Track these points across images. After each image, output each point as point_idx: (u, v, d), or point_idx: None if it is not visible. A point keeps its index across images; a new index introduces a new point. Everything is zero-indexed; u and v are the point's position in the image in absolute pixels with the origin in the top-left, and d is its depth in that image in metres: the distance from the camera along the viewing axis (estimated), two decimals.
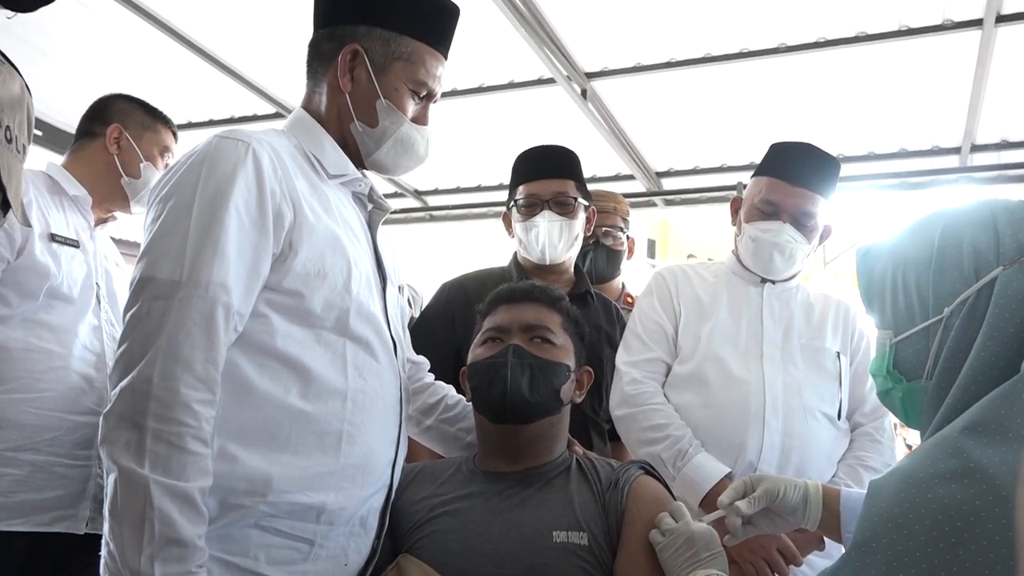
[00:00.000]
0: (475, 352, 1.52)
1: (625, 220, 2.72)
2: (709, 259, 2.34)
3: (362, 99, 1.39)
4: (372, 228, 1.48)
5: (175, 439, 1.08)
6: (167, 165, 2.09)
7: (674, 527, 1.26)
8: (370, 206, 1.50)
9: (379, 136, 1.41)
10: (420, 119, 1.45)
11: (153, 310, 1.12)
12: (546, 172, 2.16)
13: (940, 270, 0.97)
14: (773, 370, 1.86)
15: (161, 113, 2.20)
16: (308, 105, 1.45)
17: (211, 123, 4.14)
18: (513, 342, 1.45)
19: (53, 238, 1.89)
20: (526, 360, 1.44)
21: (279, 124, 1.46)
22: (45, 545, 1.84)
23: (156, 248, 1.16)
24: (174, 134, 2.22)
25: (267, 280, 1.22)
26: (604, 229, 2.64)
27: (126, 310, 1.15)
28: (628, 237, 2.74)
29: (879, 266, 1.09)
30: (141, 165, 2.09)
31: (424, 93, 1.43)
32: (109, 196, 2.10)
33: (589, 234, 2.46)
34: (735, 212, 2.08)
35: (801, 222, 1.93)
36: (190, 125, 4.10)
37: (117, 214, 2.19)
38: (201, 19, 3.17)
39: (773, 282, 2.00)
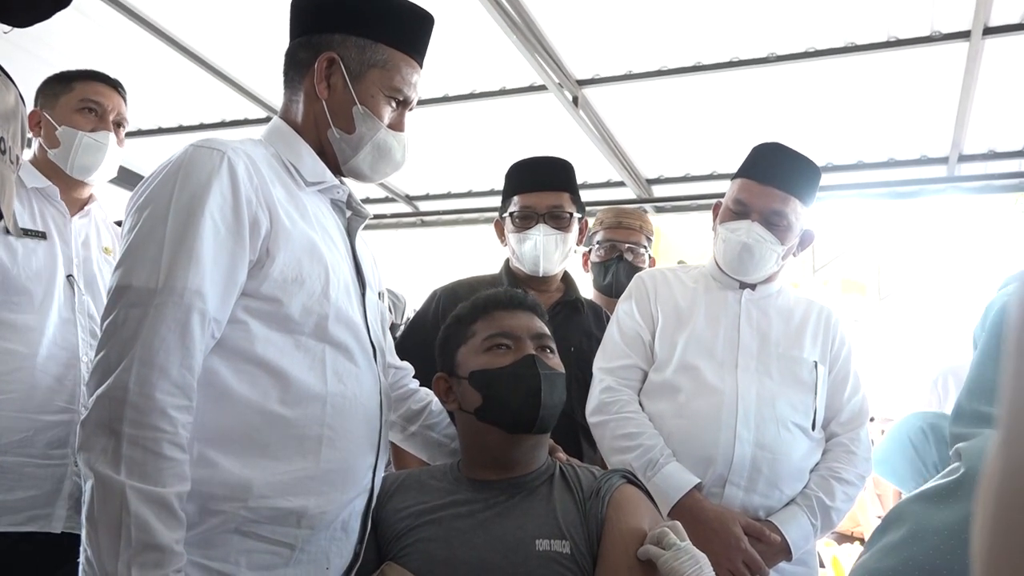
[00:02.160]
0: (480, 359, 1.46)
1: (649, 238, 2.73)
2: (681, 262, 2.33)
3: (339, 106, 1.40)
4: (351, 235, 1.48)
5: (151, 445, 1.08)
6: (96, 114, 2.06)
7: (681, 544, 1.27)
8: (348, 213, 1.50)
9: (356, 142, 1.41)
10: (396, 126, 1.46)
11: (129, 318, 1.12)
12: (542, 184, 2.16)
13: None
14: (747, 381, 1.84)
15: (77, 71, 2.11)
16: (286, 114, 1.46)
17: (202, 127, 4.13)
18: (530, 351, 1.43)
19: (9, 232, 1.85)
20: (549, 371, 1.43)
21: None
22: (22, 545, 1.81)
23: (132, 256, 1.17)
24: (105, 81, 2.12)
25: (245, 287, 1.22)
26: (628, 245, 2.65)
27: (103, 318, 1.16)
28: (650, 256, 2.76)
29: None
30: (57, 133, 2.03)
31: (400, 99, 1.44)
32: (62, 178, 2.06)
33: (604, 249, 2.46)
34: (716, 216, 2.07)
35: (771, 221, 1.89)
36: (181, 129, 4.10)
37: (93, 192, 2.15)
38: (193, 24, 3.17)
39: (753, 287, 1.98)
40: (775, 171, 1.91)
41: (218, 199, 1.19)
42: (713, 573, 1.26)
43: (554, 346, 1.51)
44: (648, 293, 2.02)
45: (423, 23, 1.47)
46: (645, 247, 2.71)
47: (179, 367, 1.12)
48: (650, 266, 2.76)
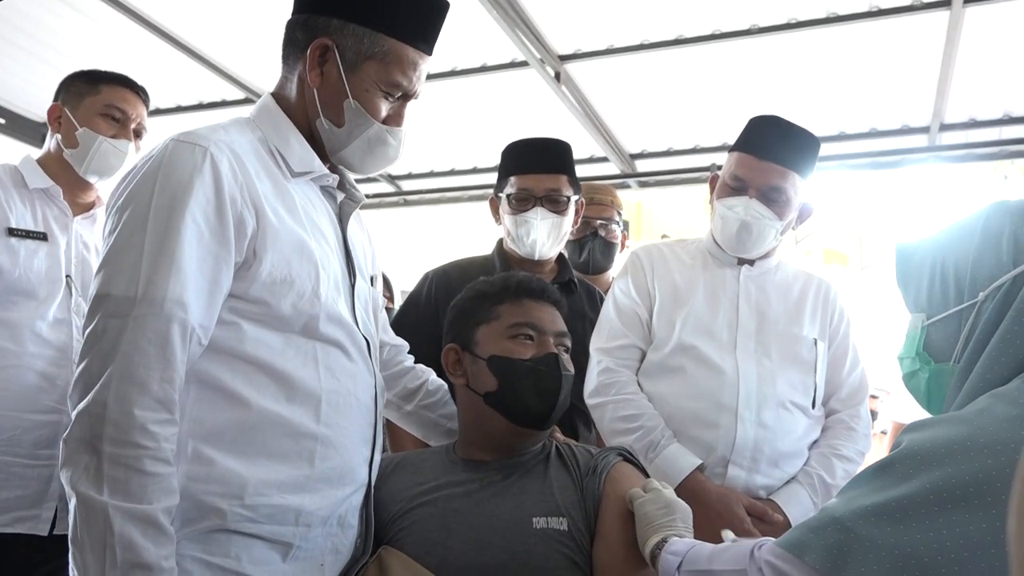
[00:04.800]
0: (502, 344, 1.43)
1: (619, 213, 2.73)
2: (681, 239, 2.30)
3: (330, 97, 1.32)
4: (343, 220, 1.43)
5: (133, 462, 1.06)
6: (118, 121, 2.03)
7: (662, 490, 1.29)
8: (341, 196, 1.45)
9: (344, 136, 1.35)
10: (393, 120, 1.38)
11: (109, 328, 1.10)
12: (540, 166, 2.13)
13: (979, 257, 0.97)
14: (747, 361, 1.83)
15: (105, 73, 2.08)
16: (280, 91, 1.39)
17: (179, 109, 4.07)
18: (552, 350, 1.43)
19: (12, 233, 1.85)
20: (566, 373, 1.43)
21: (248, 110, 1.40)
22: (9, 546, 1.79)
23: (112, 263, 1.13)
24: (132, 88, 2.10)
25: (232, 288, 1.19)
26: (600, 221, 2.65)
27: (84, 327, 1.13)
28: (622, 232, 2.76)
29: (918, 255, 1.08)
30: (76, 133, 1.99)
31: (399, 95, 1.36)
32: (71, 177, 2.03)
33: (577, 226, 2.46)
34: (713, 190, 2.02)
35: (770, 197, 1.85)
36: (158, 112, 4.03)
37: (100, 195, 2.12)
38: (168, 4, 3.12)
39: (751, 263, 1.95)
40: (774, 145, 1.86)
41: (200, 200, 1.15)
42: (689, 526, 1.25)
43: (570, 345, 1.50)
44: (644, 270, 1.99)
45: (432, 9, 1.37)
46: (617, 222, 2.72)
47: (159, 381, 1.09)
48: (623, 241, 2.77)
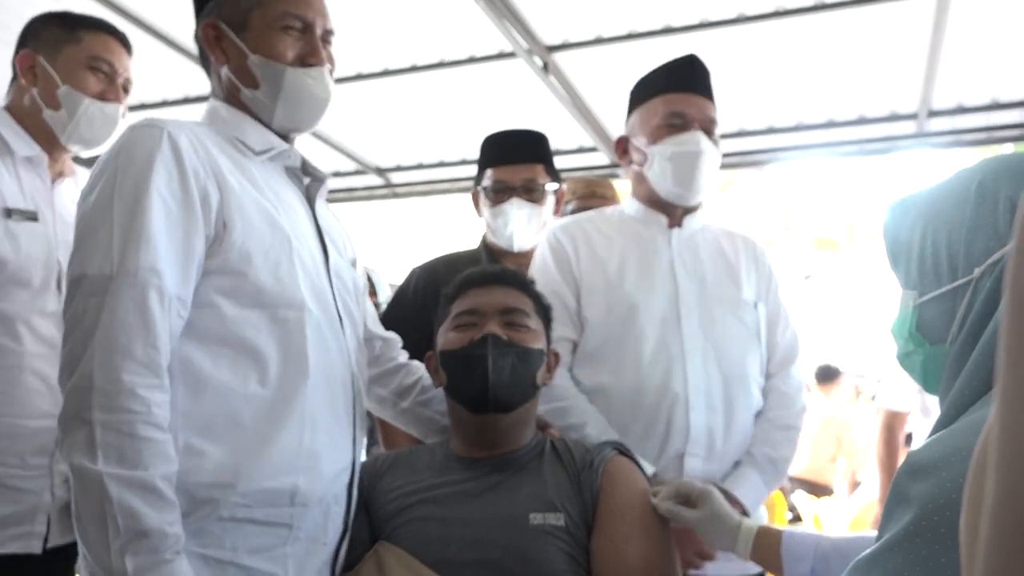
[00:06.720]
0: (447, 337, 1.48)
1: None
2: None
3: (238, 66, 1.36)
4: (311, 201, 1.45)
5: (125, 427, 1.06)
6: (106, 76, 1.82)
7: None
8: (306, 180, 1.46)
9: (266, 96, 1.36)
10: (309, 58, 1.38)
11: (89, 307, 1.11)
12: (515, 157, 2.14)
13: (974, 227, 0.88)
14: (693, 338, 1.74)
15: (85, 18, 1.81)
16: (214, 95, 1.44)
17: (164, 103, 4.03)
18: (490, 330, 1.42)
19: (10, 214, 1.63)
20: (506, 348, 1.41)
21: None
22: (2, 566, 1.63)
23: (84, 245, 1.15)
24: (116, 36, 1.85)
25: (208, 265, 1.20)
26: None
27: (64, 311, 1.14)
28: None
29: (908, 220, 0.99)
30: (58, 92, 1.73)
31: (299, 27, 1.36)
32: (49, 140, 1.77)
33: (558, 212, 2.45)
34: (623, 153, 1.92)
35: (709, 131, 1.80)
36: (143, 106, 4.00)
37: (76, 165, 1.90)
38: None
39: (680, 224, 1.87)
40: (698, 79, 1.84)
41: (163, 175, 1.17)
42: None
43: (528, 320, 1.49)
44: (567, 250, 1.85)
45: None
46: None
47: (143, 346, 1.09)
48: None
